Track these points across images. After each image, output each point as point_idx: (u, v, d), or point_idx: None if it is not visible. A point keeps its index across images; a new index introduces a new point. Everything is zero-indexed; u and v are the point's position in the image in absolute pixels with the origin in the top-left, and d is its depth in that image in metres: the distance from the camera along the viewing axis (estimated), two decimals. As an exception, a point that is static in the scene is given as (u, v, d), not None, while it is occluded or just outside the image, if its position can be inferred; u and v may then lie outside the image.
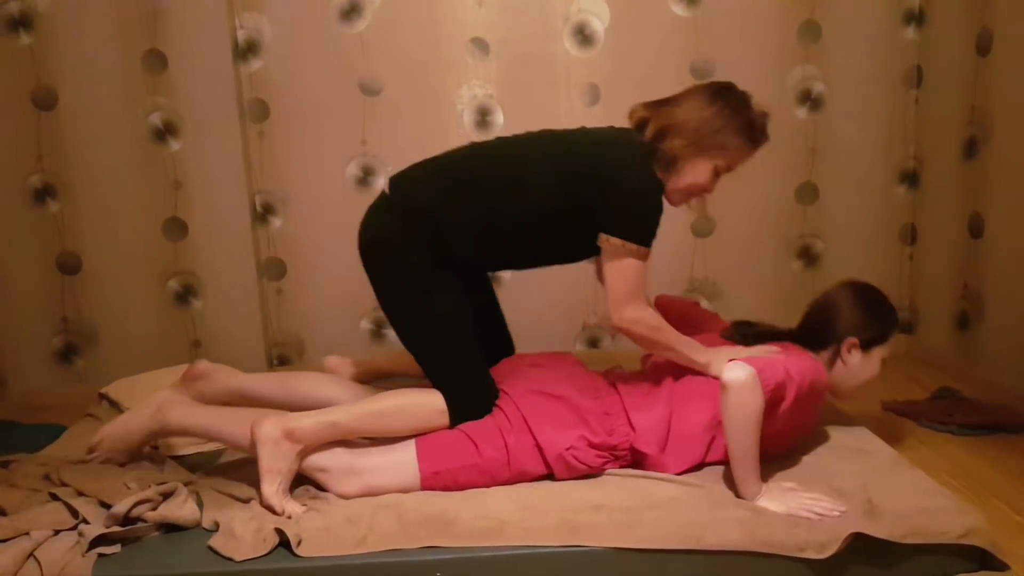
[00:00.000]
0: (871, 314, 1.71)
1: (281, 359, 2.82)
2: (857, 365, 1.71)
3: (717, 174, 1.74)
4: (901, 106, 2.77)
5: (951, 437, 2.08)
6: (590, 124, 2.71)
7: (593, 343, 2.88)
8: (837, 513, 1.46)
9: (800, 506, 1.48)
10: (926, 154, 2.74)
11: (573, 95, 2.73)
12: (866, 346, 1.70)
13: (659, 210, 1.71)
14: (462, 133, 2.67)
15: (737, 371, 1.47)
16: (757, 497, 1.51)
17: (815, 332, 1.73)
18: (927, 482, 1.62)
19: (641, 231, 1.68)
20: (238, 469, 1.82)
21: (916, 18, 2.71)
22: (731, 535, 1.41)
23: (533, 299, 2.80)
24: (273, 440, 1.56)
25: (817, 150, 2.79)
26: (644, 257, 1.69)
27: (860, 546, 1.41)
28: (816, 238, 2.84)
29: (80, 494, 1.58)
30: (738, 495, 1.53)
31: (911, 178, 2.81)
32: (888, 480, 1.63)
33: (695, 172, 1.72)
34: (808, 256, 2.85)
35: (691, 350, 1.71)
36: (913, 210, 2.82)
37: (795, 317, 2.89)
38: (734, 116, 1.71)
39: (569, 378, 1.73)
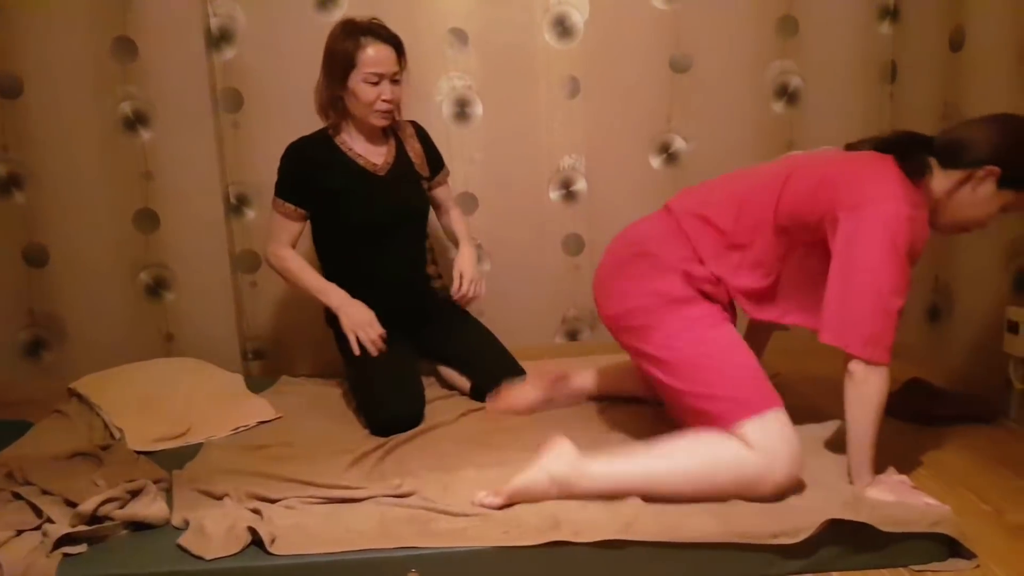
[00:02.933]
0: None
1: (256, 352, 2.79)
2: (981, 199, 1.57)
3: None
4: (876, 101, 2.79)
5: (922, 427, 2.10)
6: (570, 117, 2.72)
7: (572, 336, 2.87)
8: (946, 508, 1.47)
9: (912, 496, 1.50)
10: (901, 149, 2.76)
11: (553, 87, 2.71)
12: (1003, 183, 1.55)
13: (284, 170, 2.17)
14: (441, 125, 2.65)
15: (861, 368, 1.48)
16: (868, 487, 1.53)
17: (958, 147, 1.58)
18: (894, 474, 1.64)
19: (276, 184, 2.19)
20: (212, 465, 1.80)
21: (891, 13, 2.73)
22: (706, 527, 1.41)
23: (514, 292, 2.79)
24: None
25: (794, 144, 2.80)
26: (277, 208, 2.17)
27: (832, 538, 1.42)
28: (792, 232, 2.85)
29: (45, 492, 1.55)
30: (850, 482, 1.55)
31: (886, 173, 2.83)
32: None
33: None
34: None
35: (319, 291, 2.13)
36: (888, 205, 2.84)
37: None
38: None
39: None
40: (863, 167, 1.58)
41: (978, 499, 1.70)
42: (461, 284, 2.22)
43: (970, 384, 2.29)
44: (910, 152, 1.59)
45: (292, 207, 2.17)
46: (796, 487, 1.52)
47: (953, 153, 1.58)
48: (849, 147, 1.71)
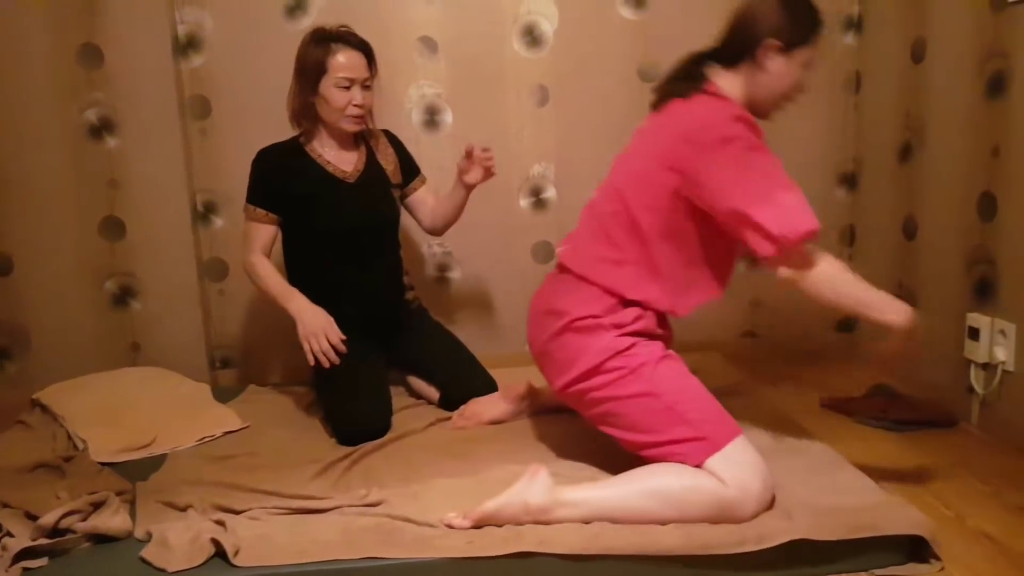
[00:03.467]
0: (790, 12, 1.61)
1: (224, 361, 2.77)
2: (778, 71, 1.62)
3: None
4: (841, 110, 2.83)
5: (885, 433, 2.14)
6: (540, 125, 2.74)
7: (541, 343, 2.88)
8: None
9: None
10: (865, 157, 2.80)
11: (523, 96, 2.72)
12: (788, 48, 1.61)
13: (254, 176, 2.17)
14: (411, 133, 2.65)
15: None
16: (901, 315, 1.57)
17: (733, 43, 1.65)
18: (863, 479, 1.67)
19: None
20: (176, 476, 1.79)
21: (855, 25, 2.77)
22: (671, 539, 1.42)
23: (483, 299, 2.80)
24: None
25: (760, 153, 2.83)
26: (248, 215, 2.17)
27: (793, 543, 1.42)
28: (759, 239, 2.88)
29: (5, 506, 1.53)
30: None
31: (850, 180, 2.88)
32: (826, 477, 1.67)
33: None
34: (751, 257, 2.89)
35: (282, 296, 2.08)
36: (852, 212, 2.89)
37: (741, 315, 2.94)
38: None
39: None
40: (679, 120, 1.62)
41: (940, 504, 1.73)
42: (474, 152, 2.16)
43: (933, 390, 2.33)
44: (693, 81, 1.65)
45: (263, 212, 2.16)
46: (767, 508, 1.51)
47: (732, 50, 1.65)
48: (653, 105, 1.75)
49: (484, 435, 2.00)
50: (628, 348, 1.61)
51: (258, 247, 2.17)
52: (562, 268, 1.78)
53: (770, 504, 1.51)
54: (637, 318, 1.65)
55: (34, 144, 2.52)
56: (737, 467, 1.49)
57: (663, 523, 1.47)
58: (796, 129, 2.82)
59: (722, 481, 1.47)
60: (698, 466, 1.51)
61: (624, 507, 1.49)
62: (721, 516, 1.47)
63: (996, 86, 2.06)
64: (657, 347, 1.65)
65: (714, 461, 1.50)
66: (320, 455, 1.88)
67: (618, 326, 1.63)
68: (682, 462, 1.52)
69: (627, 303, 1.66)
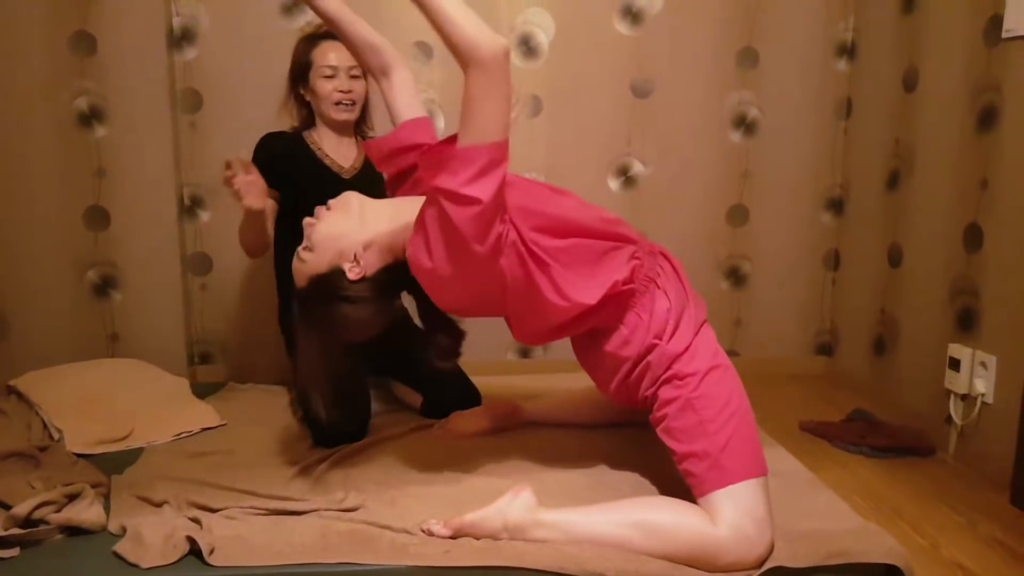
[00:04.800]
0: None
1: (203, 356, 2.74)
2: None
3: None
4: (831, 135, 2.86)
5: (862, 459, 2.15)
6: (532, 136, 2.75)
7: (524, 352, 2.88)
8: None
9: None
10: (852, 183, 2.83)
11: (516, 105, 2.73)
12: None
13: (256, 156, 2.16)
14: (401, 136, 2.65)
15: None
16: None
17: None
18: (839, 504, 1.67)
19: None
20: (152, 471, 1.76)
21: (848, 51, 2.81)
22: (653, 566, 1.39)
23: (466, 306, 2.80)
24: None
25: (749, 173, 2.86)
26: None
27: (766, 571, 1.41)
28: (744, 259, 2.91)
29: (-23, 495, 1.50)
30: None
31: (837, 205, 2.91)
32: (802, 500, 1.67)
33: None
34: (736, 276, 2.92)
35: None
36: (837, 236, 2.92)
37: (723, 335, 2.96)
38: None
39: None
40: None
41: (915, 532, 1.74)
42: None
43: (912, 418, 2.35)
44: None
45: None
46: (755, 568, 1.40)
47: None
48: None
49: (464, 445, 1.99)
50: (684, 353, 1.54)
51: None
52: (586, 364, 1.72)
53: (758, 563, 1.40)
54: (653, 308, 1.59)
55: (22, 130, 2.49)
56: (741, 511, 1.41)
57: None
58: (785, 152, 2.85)
59: (715, 520, 1.40)
60: (700, 496, 1.44)
61: (604, 535, 1.44)
62: (703, 558, 1.39)
63: (987, 119, 2.09)
64: (710, 352, 1.56)
65: (719, 496, 1.43)
66: (298, 455, 1.86)
67: (659, 336, 1.56)
68: (691, 485, 1.47)
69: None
